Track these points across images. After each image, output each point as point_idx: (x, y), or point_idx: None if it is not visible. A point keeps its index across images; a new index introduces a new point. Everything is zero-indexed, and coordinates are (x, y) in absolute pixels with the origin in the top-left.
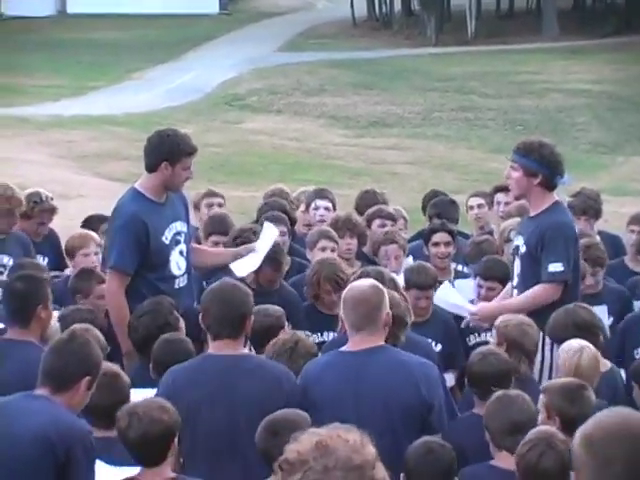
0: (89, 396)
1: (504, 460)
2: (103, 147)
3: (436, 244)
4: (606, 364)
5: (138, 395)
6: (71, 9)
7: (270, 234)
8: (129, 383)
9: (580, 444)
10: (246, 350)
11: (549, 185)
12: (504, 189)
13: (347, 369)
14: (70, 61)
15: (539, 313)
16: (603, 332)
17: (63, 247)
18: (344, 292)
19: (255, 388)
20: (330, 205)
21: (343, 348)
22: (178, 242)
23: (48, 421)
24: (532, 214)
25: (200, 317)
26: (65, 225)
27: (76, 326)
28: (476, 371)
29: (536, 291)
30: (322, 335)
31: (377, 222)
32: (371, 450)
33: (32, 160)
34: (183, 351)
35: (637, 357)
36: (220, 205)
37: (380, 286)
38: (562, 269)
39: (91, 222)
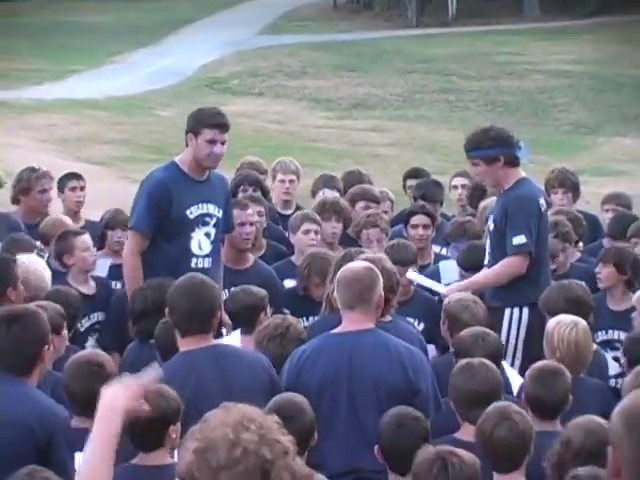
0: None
1: (467, 432)
2: (84, 131)
3: (414, 226)
4: (593, 345)
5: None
6: None
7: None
8: (114, 372)
9: (618, 419)
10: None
11: (511, 161)
12: (462, 174)
13: (340, 351)
14: (51, 45)
15: (505, 289)
16: (593, 312)
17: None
18: (338, 272)
19: (247, 378)
20: (337, 194)
21: (335, 330)
22: (206, 223)
23: (28, 406)
24: (501, 192)
25: (167, 313)
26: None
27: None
28: (464, 390)
29: (501, 264)
30: (307, 319)
31: (361, 204)
32: (247, 435)
33: (13, 144)
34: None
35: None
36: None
37: (374, 268)
38: (525, 241)
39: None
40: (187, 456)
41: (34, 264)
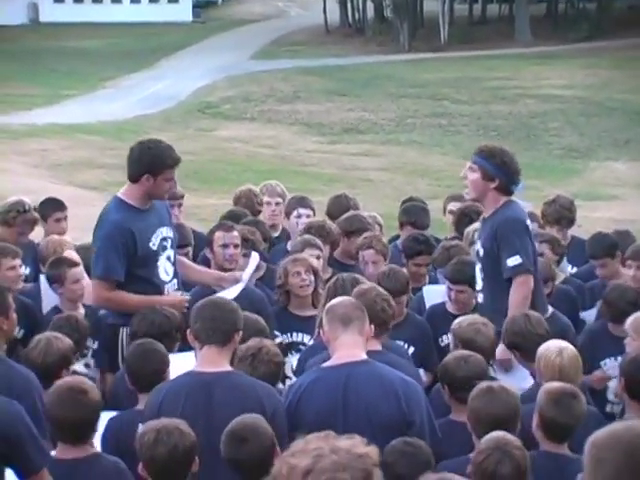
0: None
1: (462, 413)
2: (77, 156)
3: (418, 265)
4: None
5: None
6: (44, 18)
7: (254, 264)
8: (98, 400)
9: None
10: (229, 367)
11: (505, 190)
12: (457, 198)
13: (335, 385)
14: (44, 70)
15: (501, 313)
16: None
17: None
18: (327, 305)
19: (234, 409)
20: (311, 213)
21: (328, 363)
22: (165, 247)
23: None
24: (485, 215)
25: (189, 329)
26: (38, 234)
27: None
28: (460, 376)
29: (512, 295)
30: (292, 336)
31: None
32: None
33: (6, 169)
34: (155, 357)
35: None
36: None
37: (360, 304)
38: (520, 261)
39: (45, 205)
40: (304, 459)
41: None
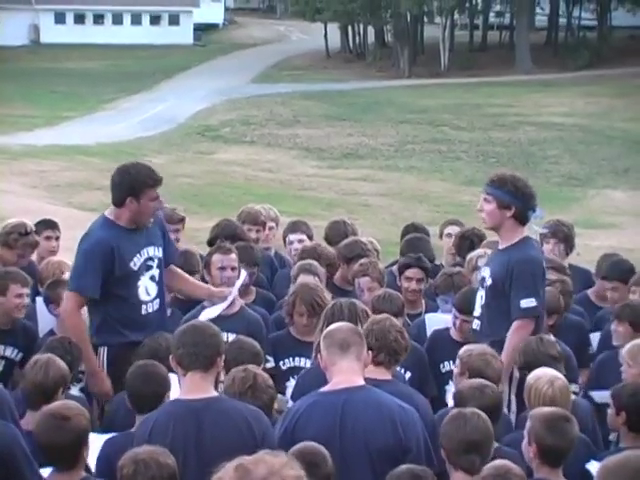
0: None
1: None
2: (76, 177)
3: (409, 279)
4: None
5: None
6: (45, 39)
7: (241, 280)
8: (82, 426)
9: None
10: (215, 392)
11: (521, 218)
12: (455, 222)
13: (332, 411)
14: (44, 91)
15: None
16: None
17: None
18: (325, 331)
19: (224, 435)
20: (304, 237)
21: (325, 388)
22: (150, 267)
23: None
24: (501, 247)
25: (171, 356)
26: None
27: None
28: (456, 438)
29: (513, 332)
30: (294, 360)
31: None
32: (292, 472)
33: (5, 190)
34: (156, 379)
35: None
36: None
37: (358, 328)
38: (535, 304)
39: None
40: (227, 472)
41: None
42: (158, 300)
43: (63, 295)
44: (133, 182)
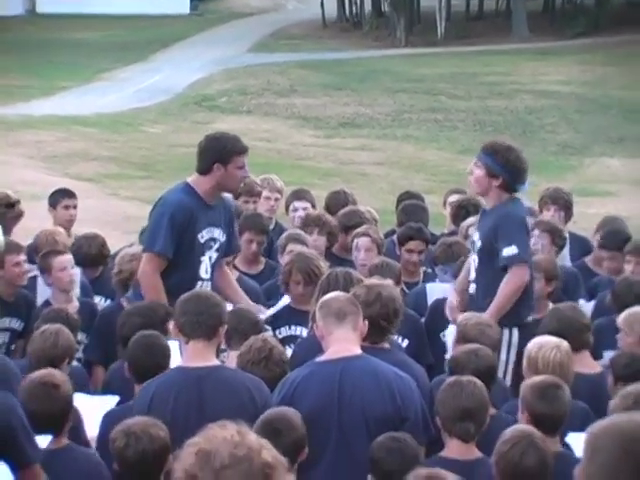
0: None
1: (455, 449)
2: (72, 147)
3: (410, 251)
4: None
5: (80, 400)
6: (40, 9)
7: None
8: (69, 394)
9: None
10: (217, 361)
11: (508, 189)
12: (458, 191)
13: (329, 380)
14: (40, 61)
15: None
16: None
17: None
18: (320, 300)
19: (225, 403)
20: (308, 205)
21: (322, 357)
22: (210, 247)
23: None
24: (487, 209)
25: (174, 322)
26: (35, 226)
27: None
28: (452, 405)
29: (504, 284)
30: (290, 329)
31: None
32: (251, 437)
33: (1, 161)
34: (159, 350)
35: None
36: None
37: (353, 299)
38: (516, 251)
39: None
40: (187, 459)
41: None
42: (210, 283)
43: (53, 262)
44: (222, 149)
